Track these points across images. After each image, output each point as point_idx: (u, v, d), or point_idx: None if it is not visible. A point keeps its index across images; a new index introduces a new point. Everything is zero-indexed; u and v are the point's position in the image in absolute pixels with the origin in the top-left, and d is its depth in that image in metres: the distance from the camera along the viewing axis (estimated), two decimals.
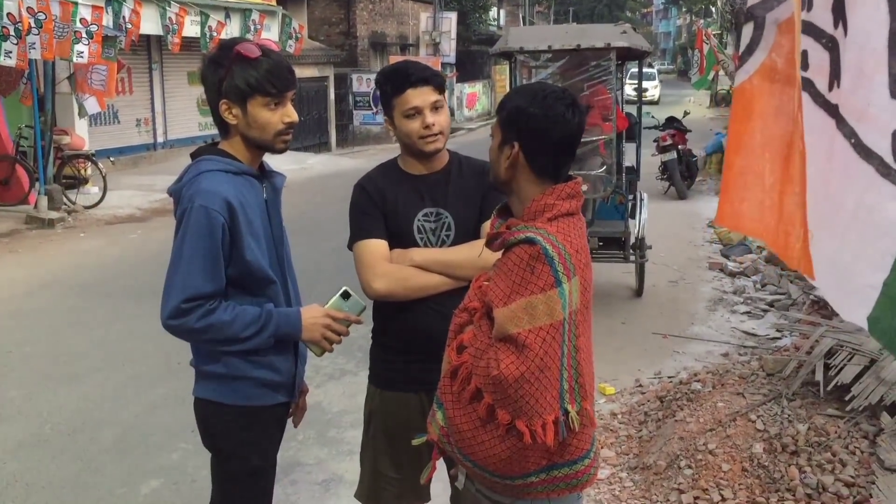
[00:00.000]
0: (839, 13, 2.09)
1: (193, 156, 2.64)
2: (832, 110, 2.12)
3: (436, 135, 2.86)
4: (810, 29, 2.21)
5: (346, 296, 2.73)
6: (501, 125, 2.31)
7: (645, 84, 9.69)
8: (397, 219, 2.90)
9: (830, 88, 2.15)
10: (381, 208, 2.91)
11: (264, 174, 2.72)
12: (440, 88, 2.88)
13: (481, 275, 2.43)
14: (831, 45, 2.14)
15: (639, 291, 8.63)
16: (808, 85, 2.22)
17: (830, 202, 2.10)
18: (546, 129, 2.26)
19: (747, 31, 2.41)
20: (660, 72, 52.15)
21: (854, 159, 2.01)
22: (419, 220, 2.90)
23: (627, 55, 8.30)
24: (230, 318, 2.52)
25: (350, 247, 2.96)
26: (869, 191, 1.97)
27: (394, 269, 2.85)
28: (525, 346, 2.12)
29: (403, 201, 2.91)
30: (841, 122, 2.08)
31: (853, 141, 2.02)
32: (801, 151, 2.12)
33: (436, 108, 2.85)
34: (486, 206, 2.82)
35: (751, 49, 2.40)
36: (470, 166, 2.98)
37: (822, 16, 2.17)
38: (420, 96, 2.83)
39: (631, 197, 8.48)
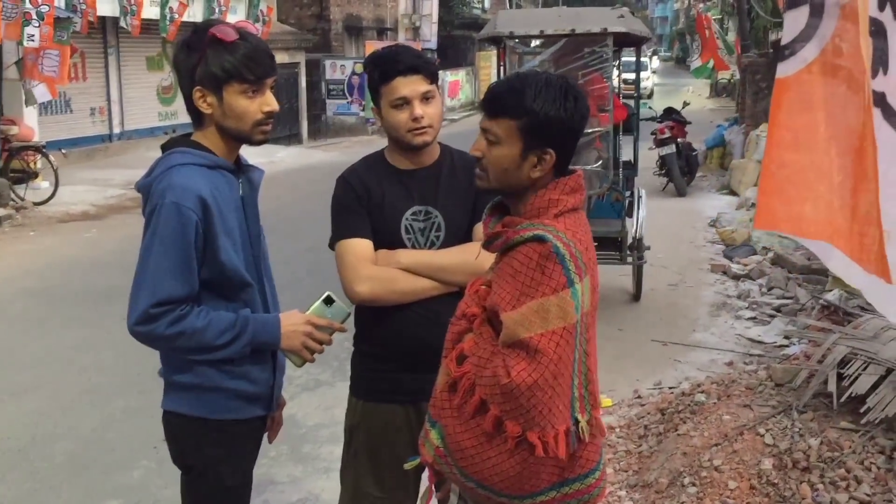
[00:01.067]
0: None
1: (164, 148, 2.63)
2: (877, 98, 2.12)
3: (424, 128, 2.85)
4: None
5: (328, 301, 2.72)
6: (527, 133, 2.24)
7: (634, 75, 9.79)
8: (383, 217, 2.89)
9: (874, 75, 2.15)
10: (365, 205, 2.90)
11: (241, 168, 2.71)
12: (432, 77, 2.87)
13: (477, 279, 2.43)
14: (875, 30, 2.14)
15: (636, 295, 8.67)
16: None
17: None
18: (577, 132, 2.29)
19: (798, 16, 2.37)
20: (660, 59, 52.12)
21: None
22: (407, 218, 2.90)
23: (625, 41, 8.32)
24: (203, 324, 2.51)
25: (331, 246, 2.95)
26: None
27: (379, 271, 2.85)
28: (538, 350, 2.12)
29: (390, 198, 2.91)
30: (889, 112, 2.07)
31: None
32: (874, 144, 2.11)
33: (426, 98, 2.84)
34: (480, 205, 2.80)
35: (805, 37, 2.36)
36: (463, 162, 2.97)
37: None
38: (409, 85, 2.82)
39: (628, 194, 8.51)
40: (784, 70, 2.43)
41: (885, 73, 2.10)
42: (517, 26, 7.74)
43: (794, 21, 2.39)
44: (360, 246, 2.87)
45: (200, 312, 2.52)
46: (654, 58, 53.10)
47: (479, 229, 2.76)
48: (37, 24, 12.11)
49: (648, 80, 41.45)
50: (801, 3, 2.38)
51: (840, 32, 2.31)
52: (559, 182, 2.28)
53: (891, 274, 2.18)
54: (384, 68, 2.85)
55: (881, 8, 2.11)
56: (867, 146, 2.17)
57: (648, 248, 8.57)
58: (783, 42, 2.46)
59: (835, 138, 2.31)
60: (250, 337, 2.58)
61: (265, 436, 2.90)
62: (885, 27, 2.10)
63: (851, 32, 2.27)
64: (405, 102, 2.83)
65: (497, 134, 2.27)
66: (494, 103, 2.28)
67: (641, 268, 8.52)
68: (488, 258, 2.41)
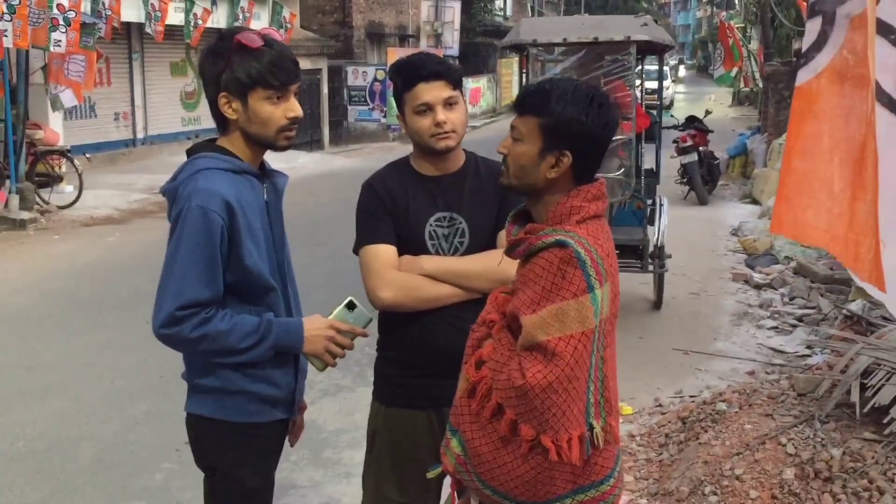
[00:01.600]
0: None
1: (190, 152, 2.65)
2: None
3: (448, 132, 2.85)
4: (876, 24, 2.22)
5: (351, 306, 2.73)
6: (547, 132, 2.27)
7: (654, 85, 9.90)
8: (408, 223, 2.90)
9: None
10: (390, 211, 2.91)
11: (265, 174, 2.73)
12: (455, 83, 2.87)
13: (500, 288, 2.44)
14: None
15: (657, 304, 8.64)
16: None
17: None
18: (601, 138, 2.30)
19: (813, 26, 2.40)
20: (686, 68, 51.67)
21: None
22: (431, 224, 2.90)
23: (648, 49, 8.31)
24: (227, 327, 2.53)
25: (355, 251, 2.96)
26: None
27: (403, 277, 2.85)
28: (555, 353, 2.13)
29: (415, 204, 2.91)
30: None
31: None
32: (874, 155, 2.12)
33: (449, 104, 2.85)
34: (504, 212, 2.80)
35: (818, 46, 2.39)
36: (488, 169, 2.97)
37: (890, 10, 2.17)
38: (431, 91, 2.83)
39: (650, 202, 8.49)
40: (800, 78, 2.46)
41: None
42: (540, 34, 7.75)
43: (812, 30, 2.41)
44: (384, 252, 2.88)
45: (225, 316, 2.54)
46: (681, 67, 52.68)
47: (503, 236, 2.77)
48: (63, 30, 12.21)
49: (668, 89, 40.48)
50: (817, 13, 2.39)
51: (848, 44, 2.32)
52: (581, 189, 2.29)
53: (885, 283, 2.18)
54: (407, 75, 2.86)
55: None
56: (867, 157, 2.18)
57: (670, 257, 8.55)
58: (802, 50, 2.48)
59: (838, 147, 2.33)
60: (273, 341, 2.59)
61: (287, 439, 2.91)
62: None
63: (859, 44, 2.28)
64: (428, 108, 2.83)
65: (521, 131, 2.32)
66: (523, 101, 2.34)
67: (663, 276, 8.49)
68: (511, 265, 2.42)
